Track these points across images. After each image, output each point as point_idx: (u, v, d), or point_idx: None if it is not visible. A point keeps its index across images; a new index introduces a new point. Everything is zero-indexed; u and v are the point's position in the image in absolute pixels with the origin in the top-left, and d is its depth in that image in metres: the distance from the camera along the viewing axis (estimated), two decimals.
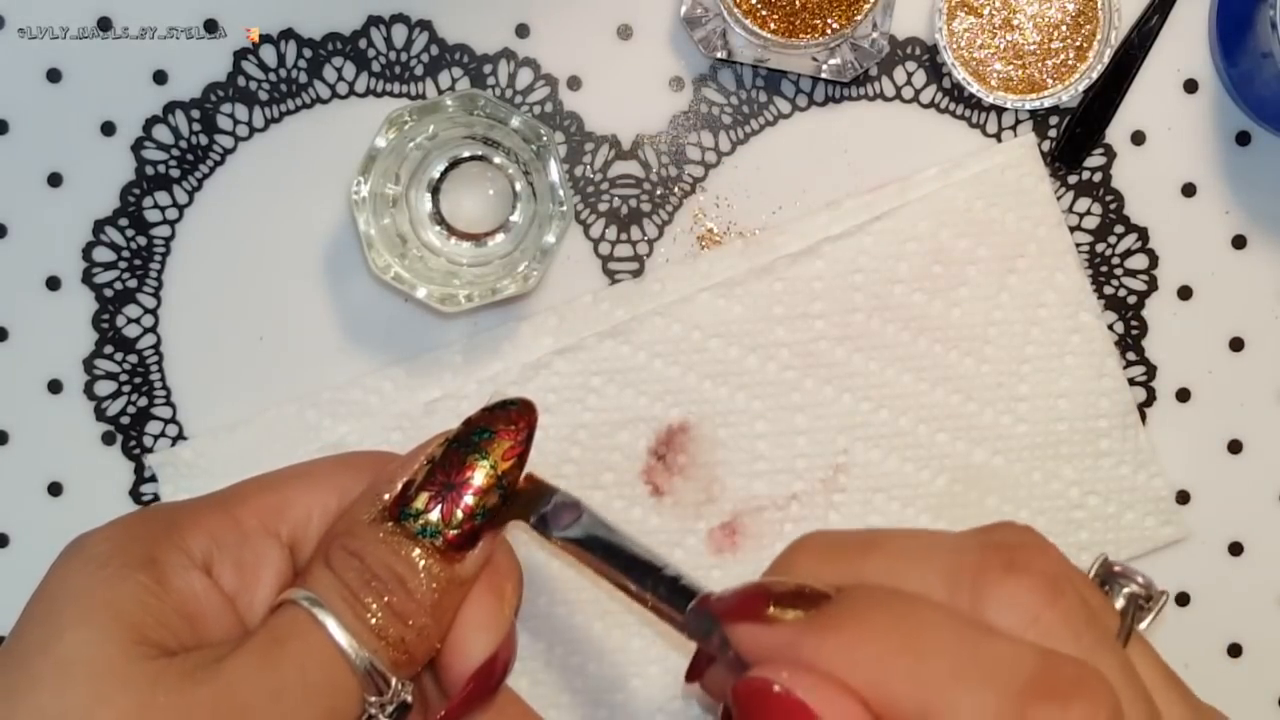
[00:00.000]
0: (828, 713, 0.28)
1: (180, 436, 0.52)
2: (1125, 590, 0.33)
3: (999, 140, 0.52)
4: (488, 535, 0.36)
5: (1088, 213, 0.52)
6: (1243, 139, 0.53)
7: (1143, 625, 0.33)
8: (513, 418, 0.37)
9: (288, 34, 0.52)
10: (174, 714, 0.31)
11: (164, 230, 0.52)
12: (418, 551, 0.35)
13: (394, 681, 0.34)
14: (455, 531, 0.35)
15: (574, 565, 0.38)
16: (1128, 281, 0.53)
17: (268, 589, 0.36)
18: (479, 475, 0.36)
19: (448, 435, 0.37)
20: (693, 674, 0.37)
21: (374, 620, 0.34)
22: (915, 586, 0.31)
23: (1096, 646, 0.30)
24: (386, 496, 0.36)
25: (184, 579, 0.34)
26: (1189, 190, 0.53)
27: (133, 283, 0.52)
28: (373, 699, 0.34)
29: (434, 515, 0.35)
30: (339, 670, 0.33)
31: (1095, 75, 0.51)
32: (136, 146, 0.52)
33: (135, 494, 0.53)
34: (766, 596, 0.31)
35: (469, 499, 0.35)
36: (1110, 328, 0.52)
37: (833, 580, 0.31)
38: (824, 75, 0.51)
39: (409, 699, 0.34)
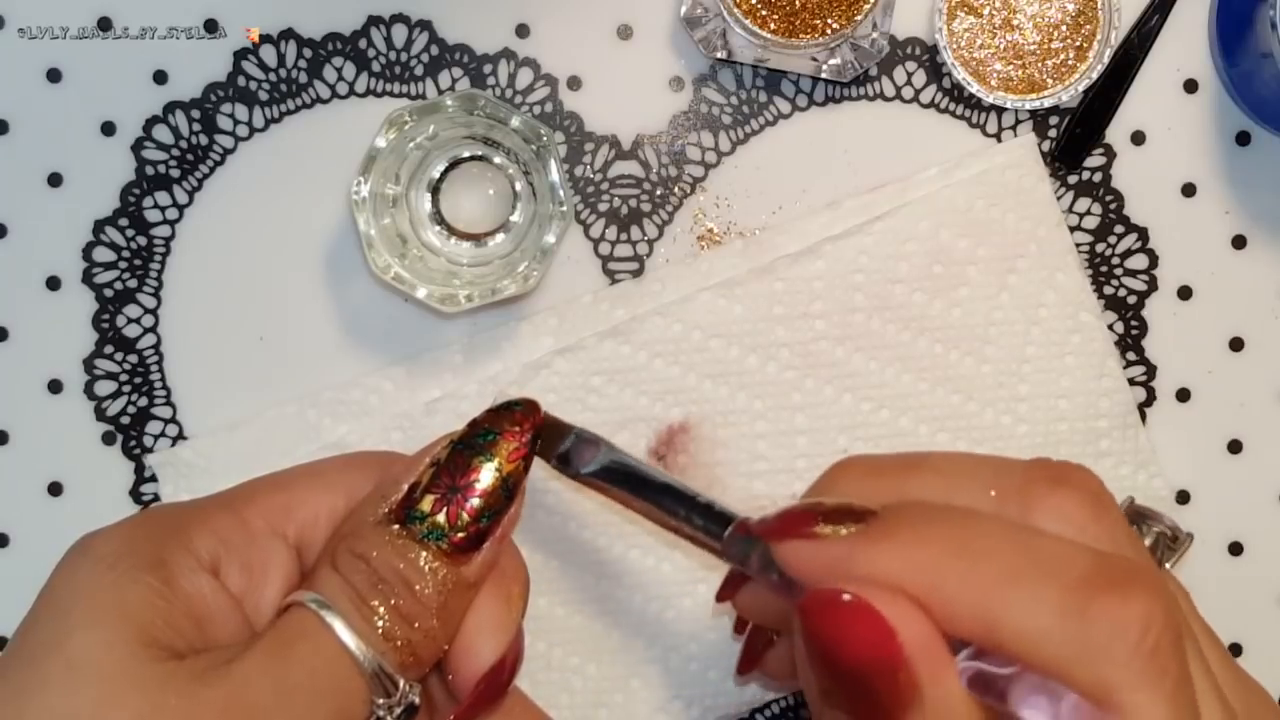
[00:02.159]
0: (896, 617, 0.29)
1: (180, 436, 0.52)
2: (1154, 529, 0.34)
3: (999, 140, 0.52)
4: (493, 537, 0.36)
5: (1088, 213, 0.52)
6: (1243, 139, 0.53)
7: (1169, 565, 0.33)
8: (517, 419, 0.37)
9: (288, 34, 0.52)
10: (184, 715, 0.31)
11: (164, 230, 0.52)
12: (424, 554, 0.35)
13: (401, 683, 0.34)
14: (461, 534, 0.35)
15: (602, 501, 0.38)
16: (1128, 281, 0.53)
17: (275, 590, 0.36)
18: (484, 477, 0.36)
19: (453, 437, 0.37)
20: (724, 593, 0.38)
21: (381, 623, 0.34)
22: (962, 501, 0.31)
23: (1142, 559, 0.30)
24: (393, 498, 0.36)
25: (192, 581, 0.34)
26: (1189, 190, 0.53)
27: (133, 283, 0.52)
28: (381, 701, 0.34)
29: (440, 518, 0.35)
30: (347, 672, 0.33)
31: (1095, 75, 0.51)
32: (136, 146, 0.52)
33: (135, 494, 0.53)
34: (813, 514, 0.32)
35: (474, 501, 0.35)
36: (1110, 328, 0.52)
37: (876, 500, 0.32)
38: (824, 75, 0.51)
39: (416, 700, 0.34)
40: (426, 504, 0.35)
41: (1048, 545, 0.29)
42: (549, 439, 0.38)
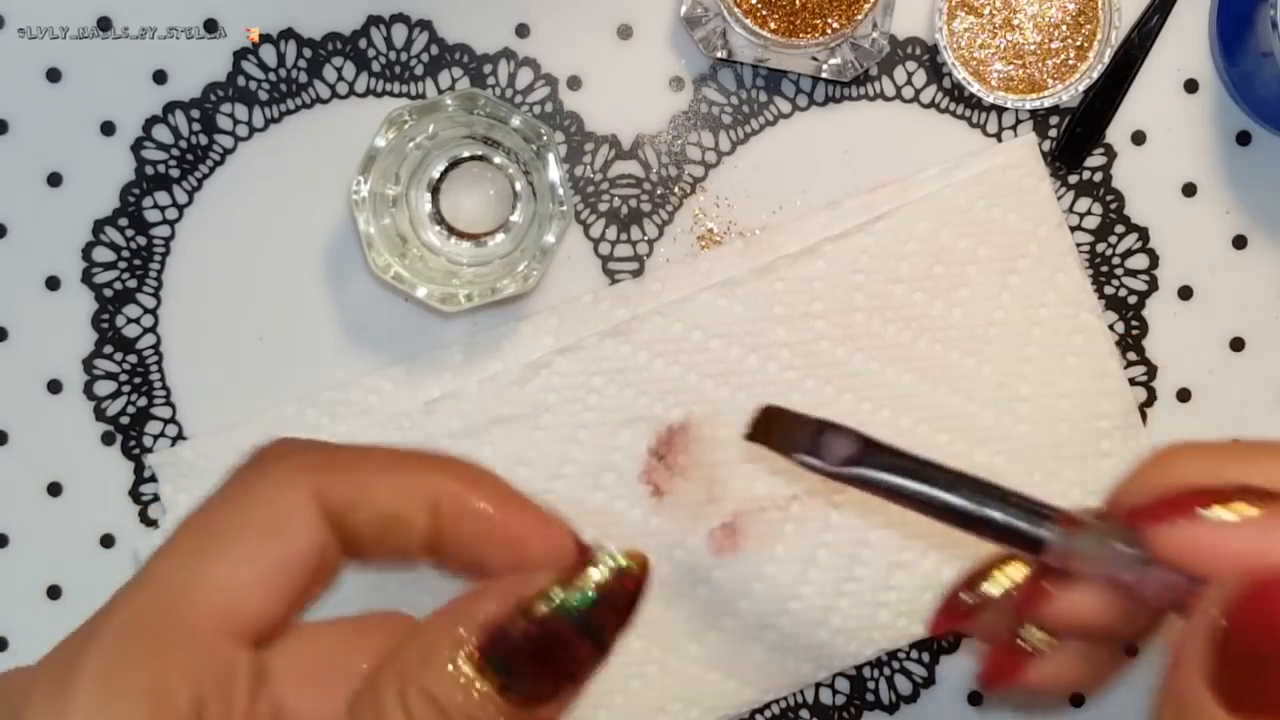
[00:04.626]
0: None
1: (180, 436, 0.52)
2: None
3: (999, 140, 0.52)
4: (576, 687, 0.33)
5: (1088, 213, 0.52)
6: (1243, 139, 0.53)
7: None
8: (628, 587, 0.33)
9: (288, 34, 0.52)
10: None
11: (164, 230, 0.52)
12: (503, 703, 0.31)
13: None
14: (544, 692, 0.32)
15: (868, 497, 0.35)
16: (1128, 281, 0.53)
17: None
18: (582, 654, 0.32)
19: (545, 579, 0.32)
20: (1027, 606, 0.34)
21: None
22: None
23: None
24: (471, 637, 0.32)
25: None
26: (1189, 190, 0.53)
27: (133, 283, 0.52)
28: None
29: (527, 679, 0.31)
30: None
31: (1095, 75, 0.51)
32: (136, 146, 0.52)
33: (135, 494, 0.52)
34: (1204, 495, 0.29)
35: (570, 677, 0.32)
36: (1111, 328, 0.52)
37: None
38: (824, 75, 0.51)
39: None
40: (514, 660, 0.31)
41: None
42: (787, 433, 0.35)
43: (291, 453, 0.31)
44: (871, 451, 0.34)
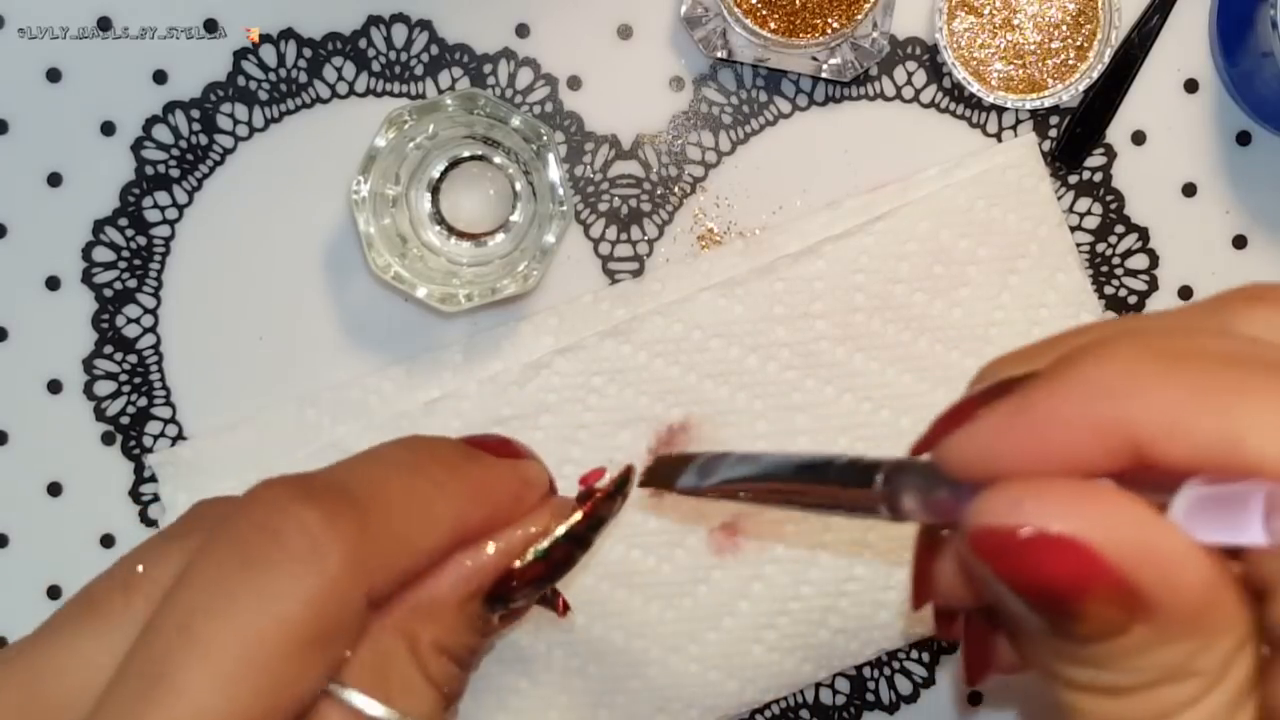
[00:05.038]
0: (1095, 524, 0.23)
1: (180, 436, 0.52)
2: None
3: (999, 140, 0.52)
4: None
5: (1088, 213, 0.52)
6: (1243, 139, 0.53)
7: None
8: (623, 500, 0.34)
9: (288, 34, 0.52)
10: None
11: (164, 230, 0.52)
12: (500, 626, 0.33)
13: None
14: (527, 606, 0.34)
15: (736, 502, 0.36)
16: (1128, 281, 0.53)
17: None
18: (575, 560, 0.34)
19: (556, 513, 0.34)
20: (919, 590, 0.31)
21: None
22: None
23: None
24: (481, 581, 0.32)
25: None
26: (1189, 190, 0.53)
27: (133, 283, 0.52)
28: None
29: (523, 599, 0.33)
30: None
31: (1095, 75, 0.51)
32: (136, 146, 0.52)
33: (135, 494, 0.52)
34: (971, 402, 0.26)
35: (555, 579, 0.34)
36: None
37: None
38: (824, 75, 0.51)
39: None
40: (520, 597, 0.33)
41: (1270, 346, 0.24)
42: (670, 474, 0.36)
43: (341, 547, 0.28)
44: (718, 464, 0.35)
